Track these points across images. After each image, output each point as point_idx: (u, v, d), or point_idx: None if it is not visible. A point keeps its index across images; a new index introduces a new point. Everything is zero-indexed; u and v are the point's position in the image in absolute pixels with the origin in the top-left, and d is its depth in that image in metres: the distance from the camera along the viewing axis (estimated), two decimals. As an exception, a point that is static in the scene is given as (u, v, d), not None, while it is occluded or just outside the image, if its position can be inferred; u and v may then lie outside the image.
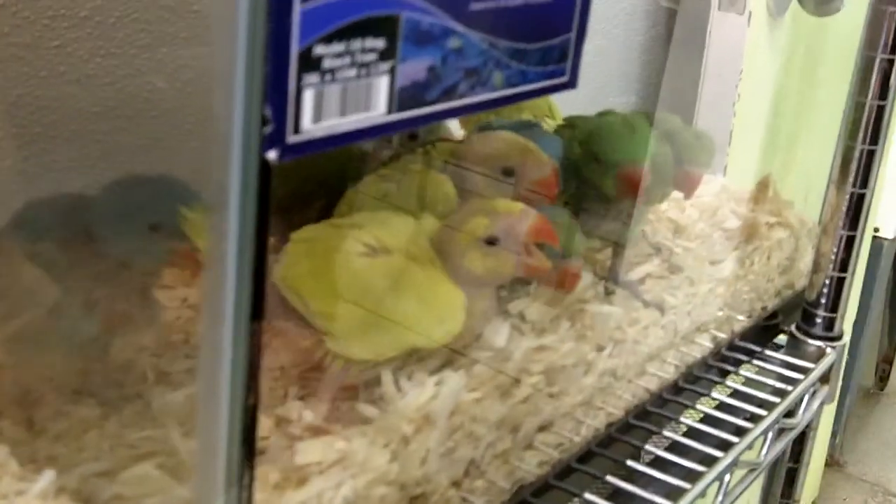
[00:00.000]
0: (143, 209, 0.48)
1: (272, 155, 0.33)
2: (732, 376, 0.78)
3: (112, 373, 0.51)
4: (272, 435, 0.46)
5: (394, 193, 0.54)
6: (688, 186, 0.67)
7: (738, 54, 1.30)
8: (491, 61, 0.42)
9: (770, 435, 0.73)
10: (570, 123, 0.70)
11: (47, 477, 0.41)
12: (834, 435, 2.27)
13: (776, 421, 0.73)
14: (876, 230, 1.80)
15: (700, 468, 0.65)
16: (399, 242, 0.52)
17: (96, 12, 0.67)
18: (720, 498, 0.66)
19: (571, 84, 0.48)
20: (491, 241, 0.52)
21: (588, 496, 0.61)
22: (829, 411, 2.14)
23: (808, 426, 0.85)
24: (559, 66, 0.47)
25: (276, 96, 0.33)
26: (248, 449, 0.36)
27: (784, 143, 1.19)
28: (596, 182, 0.64)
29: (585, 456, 0.62)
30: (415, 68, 0.38)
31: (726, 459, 0.66)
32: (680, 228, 0.79)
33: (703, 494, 0.64)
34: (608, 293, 0.66)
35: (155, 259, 0.48)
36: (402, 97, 0.38)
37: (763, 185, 0.86)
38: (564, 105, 0.77)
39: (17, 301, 0.50)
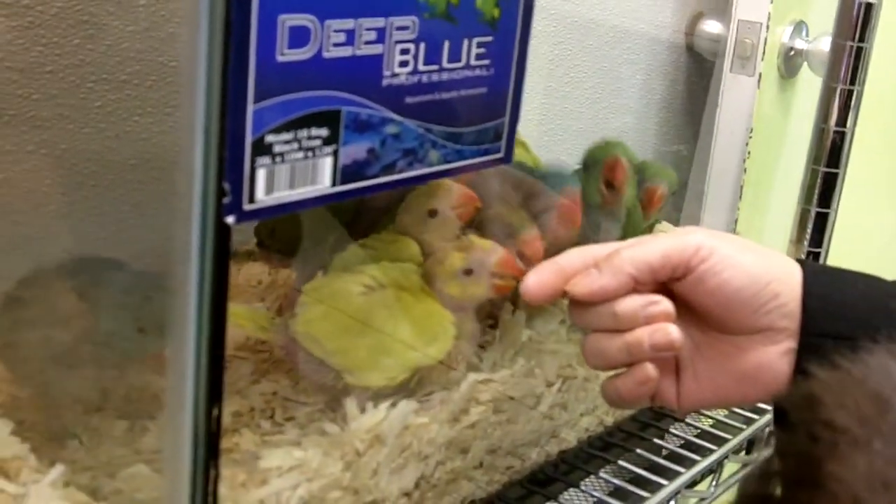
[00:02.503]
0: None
1: (230, 219, 0.43)
2: (694, 414, 0.86)
3: (122, 391, 0.61)
4: (241, 441, 0.56)
5: (373, 256, 0.64)
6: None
7: (748, 114, 1.37)
8: (427, 143, 0.52)
9: (720, 469, 0.80)
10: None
11: (58, 470, 0.50)
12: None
13: (724, 456, 0.81)
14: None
15: (644, 494, 0.73)
16: (391, 278, 0.62)
17: (135, 77, 0.77)
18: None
19: (507, 160, 0.57)
20: (468, 272, 0.62)
21: (540, 513, 0.70)
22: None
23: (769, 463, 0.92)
24: (494, 144, 0.56)
25: (233, 174, 0.43)
26: (213, 451, 0.45)
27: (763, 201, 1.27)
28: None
29: (536, 478, 0.70)
30: (356, 150, 0.48)
31: (668, 488, 0.74)
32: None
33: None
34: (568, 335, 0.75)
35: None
36: (345, 173, 0.48)
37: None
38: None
39: (51, 328, 0.60)
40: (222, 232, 0.43)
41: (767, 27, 1.21)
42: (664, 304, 0.54)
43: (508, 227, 0.67)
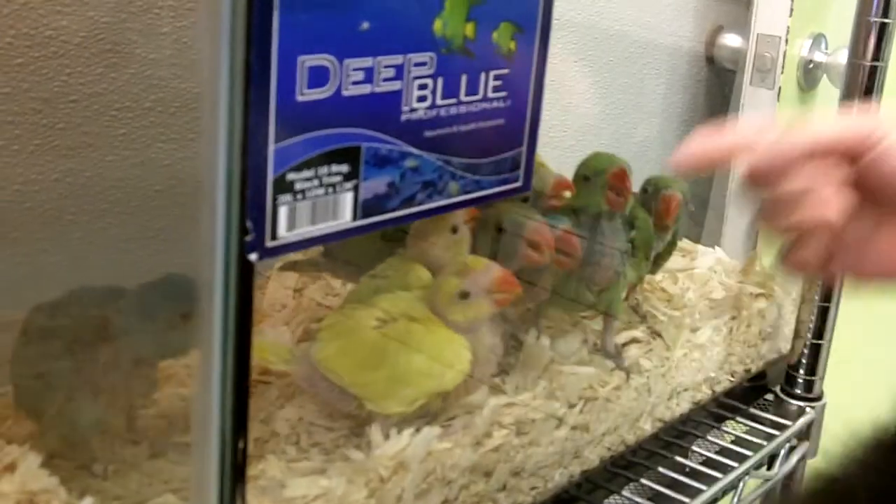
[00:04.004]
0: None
1: (253, 257, 0.44)
2: (715, 431, 0.87)
3: (148, 421, 0.62)
4: (267, 468, 0.57)
5: (384, 286, 0.64)
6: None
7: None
8: (446, 175, 0.52)
9: (741, 485, 0.81)
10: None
11: (87, 502, 0.51)
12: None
13: (746, 472, 0.81)
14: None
15: (668, 514, 0.74)
16: (401, 310, 0.63)
17: (158, 104, 0.78)
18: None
19: (525, 188, 0.58)
20: (464, 295, 0.62)
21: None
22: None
23: (790, 479, 0.93)
24: (512, 174, 0.57)
25: (255, 212, 0.43)
26: (240, 481, 0.46)
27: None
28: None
29: (560, 498, 0.71)
30: (376, 185, 0.49)
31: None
32: (671, 298, 0.88)
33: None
34: (590, 355, 0.76)
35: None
36: (366, 207, 0.49)
37: (751, 259, 0.94)
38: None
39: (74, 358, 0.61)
40: (245, 269, 0.44)
41: (786, 40, 1.21)
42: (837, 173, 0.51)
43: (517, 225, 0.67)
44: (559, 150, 1.11)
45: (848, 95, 0.84)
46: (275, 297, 0.80)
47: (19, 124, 0.69)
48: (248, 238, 0.43)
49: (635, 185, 0.79)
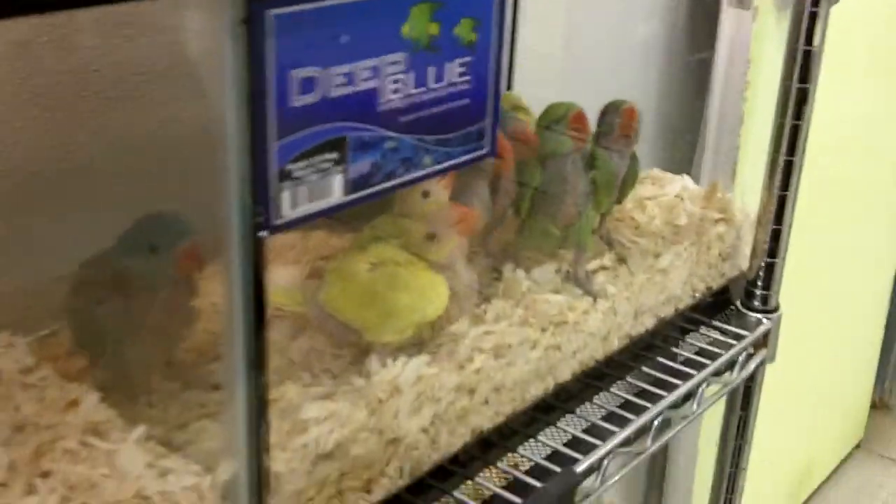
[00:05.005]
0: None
1: (263, 233, 0.55)
2: (680, 343, 0.98)
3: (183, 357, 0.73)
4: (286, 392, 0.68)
5: (377, 236, 0.76)
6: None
7: (745, 47, 1.44)
8: (421, 150, 0.63)
9: (701, 390, 0.92)
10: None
11: (139, 429, 0.63)
12: (881, 380, 2.42)
13: (706, 378, 0.93)
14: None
15: (630, 416, 0.86)
16: (388, 256, 0.74)
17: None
18: (652, 442, 0.86)
19: (491, 154, 0.68)
20: (431, 237, 0.73)
21: (541, 438, 0.83)
22: (874, 357, 2.30)
23: (751, 382, 1.05)
24: (479, 142, 0.67)
25: (262, 196, 0.54)
26: (263, 409, 0.58)
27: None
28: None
29: (538, 407, 0.83)
30: (361, 166, 0.59)
31: (656, 408, 0.87)
32: (638, 225, 0.99)
33: (638, 436, 0.85)
34: (563, 283, 0.87)
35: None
36: (354, 185, 0.59)
37: (713, 187, 1.05)
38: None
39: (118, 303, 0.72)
40: (258, 243, 0.55)
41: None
42: None
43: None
44: (551, 91, 1.21)
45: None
46: (286, 240, 0.91)
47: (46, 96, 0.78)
48: (259, 219, 0.54)
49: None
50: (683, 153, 1.30)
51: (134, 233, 0.68)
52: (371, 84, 0.58)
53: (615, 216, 0.98)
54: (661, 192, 1.06)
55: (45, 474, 0.60)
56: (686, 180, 1.09)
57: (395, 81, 0.60)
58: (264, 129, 0.53)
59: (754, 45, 1.41)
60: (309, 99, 0.55)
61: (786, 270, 1.04)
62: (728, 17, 1.41)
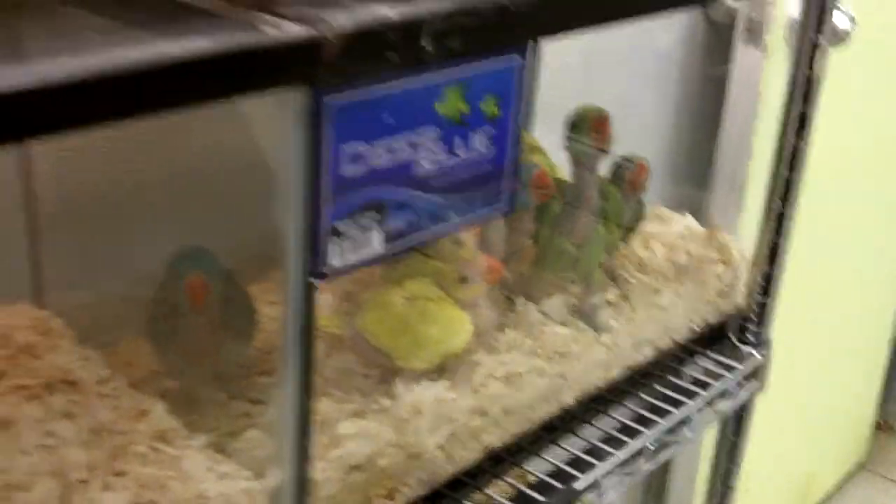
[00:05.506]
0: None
1: (315, 280, 0.65)
2: (676, 374, 1.08)
3: (239, 370, 0.84)
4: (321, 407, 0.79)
5: (409, 272, 0.86)
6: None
7: (756, 84, 1.52)
8: (449, 208, 0.73)
9: (695, 417, 1.02)
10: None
11: (201, 438, 0.74)
12: (887, 402, 2.49)
13: (701, 405, 1.03)
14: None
15: (627, 439, 0.96)
16: (421, 291, 0.85)
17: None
18: (647, 463, 0.96)
19: (510, 210, 0.79)
20: (463, 279, 0.84)
21: (546, 456, 0.93)
22: (879, 378, 2.37)
23: (742, 411, 1.15)
24: (498, 199, 0.77)
25: (315, 249, 0.65)
26: (308, 423, 0.69)
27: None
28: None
29: (544, 428, 0.93)
30: (398, 223, 0.70)
31: (652, 432, 0.97)
32: (641, 262, 1.09)
33: (634, 458, 0.95)
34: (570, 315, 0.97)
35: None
36: (390, 239, 0.70)
37: (713, 229, 1.15)
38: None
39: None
40: (309, 287, 0.65)
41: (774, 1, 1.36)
42: None
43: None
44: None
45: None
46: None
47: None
48: (311, 268, 0.65)
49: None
50: (692, 188, 1.39)
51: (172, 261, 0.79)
52: (408, 155, 0.69)
53: (621, 251, 1.08)
54: (665, 230, 1.16)
55: (120, 474, 0.71)
56: (689, 220, 1.18)
57: (429, 151, 0.70)
58: (318, 195, 0.64)
59: (764, 81, 1.49)
60: (356, 169, 0.65)
61: (791, 289, 1.13)
62: (741, 55, 1.50)
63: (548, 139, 1.03)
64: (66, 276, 0.89)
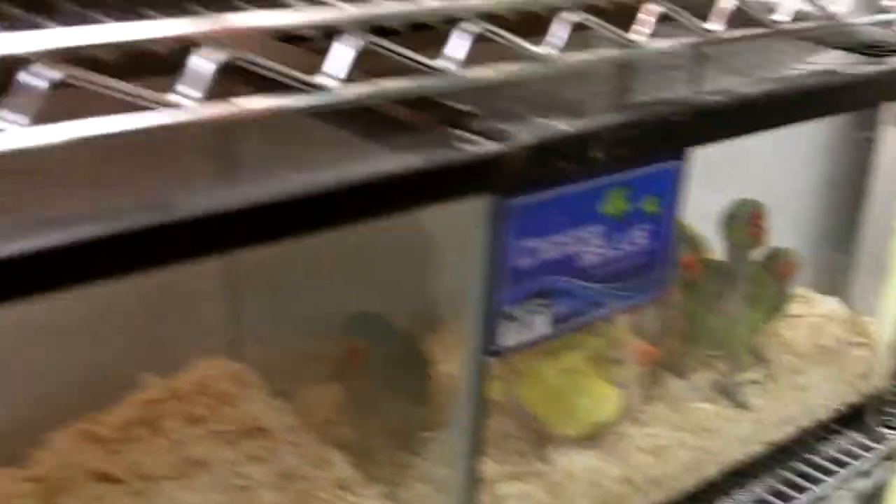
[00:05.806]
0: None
1: (490, 358, 0.74)
2: (815, 451, 1.12)
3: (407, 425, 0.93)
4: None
5: (565, 346, 0.94)
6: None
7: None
8: (608, 295, 0.81)
9: (832, 493, 1.07)
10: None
11: (377, 489, 0.83)
12: None
13: (839, 483, 1.07)
14: None
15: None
16: (575, 366, 0.93)
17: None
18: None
19: (664, 296, 0.86)
20: (616, 361, 0.91)
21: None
22: None
23: (879, 490, 1.18)
24: (654, 286, 0.85)
25: (489, 331, 0.74)
26: (475, 486, 0.77)
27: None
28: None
29: (687, 498, 0.99)
30: (562, 308, 0.78)
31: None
32: (786, 343, 1.14)
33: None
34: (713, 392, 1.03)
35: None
36: (555, 322, 0.78)
37: (856, 314, 1.19)
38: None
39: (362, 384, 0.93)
40: (483, 364, 0.74)
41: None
42: None
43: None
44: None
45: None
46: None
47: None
48: (487, 347, 0.74)
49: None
50: (833, 277, 1.43)
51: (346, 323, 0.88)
52: (575, 249, 0.77)
53: (766, 333, 1.14)
54: (810, 312, 1.21)
55: (306, 516, 0.81)
56: (834, 302, 1.23)
57: (593, 245, 0.78)
58: (495, 284, 0.73)
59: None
60: (529, 262, 0.74)
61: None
62: (888, 136, 1.52)
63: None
64: (260, 331, 1.00)
